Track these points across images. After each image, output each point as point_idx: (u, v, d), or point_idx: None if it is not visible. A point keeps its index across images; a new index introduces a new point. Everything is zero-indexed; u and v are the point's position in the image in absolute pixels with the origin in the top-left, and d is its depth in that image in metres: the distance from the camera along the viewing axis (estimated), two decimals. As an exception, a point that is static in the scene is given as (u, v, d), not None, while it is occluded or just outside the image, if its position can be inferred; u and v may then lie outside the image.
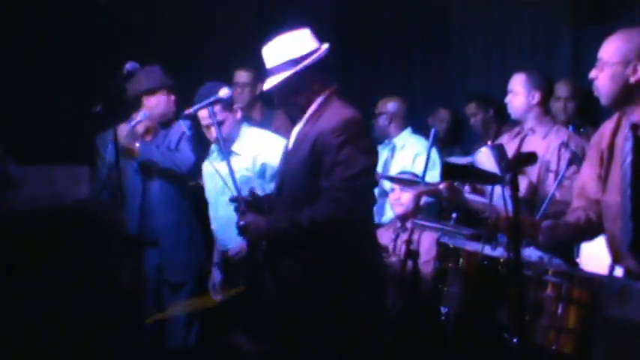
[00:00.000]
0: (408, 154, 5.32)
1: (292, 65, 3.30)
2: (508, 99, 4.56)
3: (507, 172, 2.76)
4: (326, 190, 3.21)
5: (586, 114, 5.30)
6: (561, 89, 5.37)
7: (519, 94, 4.48)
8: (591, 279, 2.99)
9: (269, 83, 3.38)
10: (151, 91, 4.68)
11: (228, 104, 4.22)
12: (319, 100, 3.36)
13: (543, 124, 4.47)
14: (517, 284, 2.76)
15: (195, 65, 6.22)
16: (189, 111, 3.97)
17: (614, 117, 3.23)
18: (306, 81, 3.33)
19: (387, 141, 5.49)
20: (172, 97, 4.74)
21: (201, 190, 4.97)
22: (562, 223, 3.27)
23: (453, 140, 6.22)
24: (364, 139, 3.29)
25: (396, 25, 7.11)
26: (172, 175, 4.62)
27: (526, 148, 4.34)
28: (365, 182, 3.27)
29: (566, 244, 3.58)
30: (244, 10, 7.02)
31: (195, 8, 6.53)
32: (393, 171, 5.20)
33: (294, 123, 3.54)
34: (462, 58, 6.64)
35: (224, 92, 3.95)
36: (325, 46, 3.40)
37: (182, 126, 4.74)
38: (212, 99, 3.92)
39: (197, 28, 6.52)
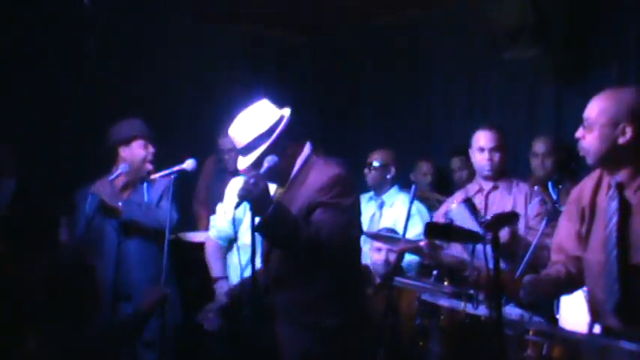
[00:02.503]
0: (397, 212, 5.27)
1: (265, 138, 3.35)
2: (486, 156, 4.54)
3: (489, 232, 2.77)
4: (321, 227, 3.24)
5: (564, 170, 5.34)
6: (539, 146, 5.42)
7: (502, 150, 4.53)
8: (572, 338, 2.98)
9: (246, 161, 3.40)
10: (126, 142, 4.60)
11: None
12: (299, 162, 3.43)
13: (505, 180, 4.54)
14: (498, 344, 2.75)
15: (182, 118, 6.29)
16: (154, 176, 4.22)
17: (595, 174, 3.23)
18: (282, 149, 3.37)
19: (374, 195, 5.44)
20: (150, 149, 4.66)
21: (182, 244, 4.92)
22: (543, 277, 3.26)
23: (438, 193, 6.20)
24: (347, 197, 3.32)
25: (377, 78, 7.21)
26: (153, 233, 4.52)
27: (492, 203, 4.40)
28: (350, 234, 3.34)
29: (548, 298, 3.56)
30: (232, 69, 7.12)
31: (186, 62, 6.63)
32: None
33: None
34: (445, 112, 6.71)
35: (188, 164, 4.25)
36: (287, 110, 3.47)
37: (164, 183, 4.70)
38: (176, 168, 4.22)
39: (184, 82, 6.59)
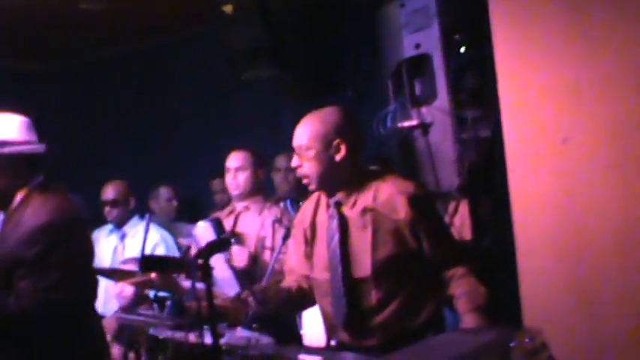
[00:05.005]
0: (140, 242, 5.08)
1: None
2: (231, 176, 4.54)
3: (199, 259, 2.74)
4: (20, 295, 2.99)
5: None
6: (281, 161, 5.46)
7: (248, 169, 4.50)
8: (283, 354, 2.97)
9: None
10: None
11: None
12: (19, 197, 3.15)
13: (257, 201, 4.53)
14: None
15: None
16: None
17: (314, 196, 3.28)
18: (8, 168, 3.13)
19: (114, 228, 5.24)
20: None
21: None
22: (273, 286, 3.29)
23: (181, 217, 6.14)
24: (59, 249, 3.03)
25: (124, 105, 7.06)
26: None
27: (242, 225, 4.40)
28: (57, 297, 3.01)
29: (279, 308, 3.50)
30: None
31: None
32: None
33: None
34: (194, 137, 6.67)
35: None
36: (42, 145, 3.22)
37: None
38: None
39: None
